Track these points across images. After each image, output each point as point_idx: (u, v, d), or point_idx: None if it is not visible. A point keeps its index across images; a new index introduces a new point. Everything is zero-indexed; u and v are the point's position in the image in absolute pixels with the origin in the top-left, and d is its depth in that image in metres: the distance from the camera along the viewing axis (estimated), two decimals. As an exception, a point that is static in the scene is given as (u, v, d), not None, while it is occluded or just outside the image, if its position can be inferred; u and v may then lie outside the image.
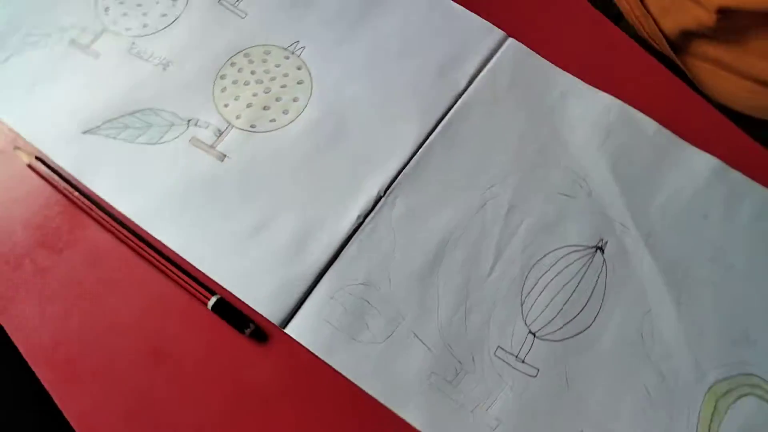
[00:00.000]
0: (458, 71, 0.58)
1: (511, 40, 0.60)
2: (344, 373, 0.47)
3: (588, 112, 0.57)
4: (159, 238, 0.50)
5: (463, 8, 0.61)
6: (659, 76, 0.61)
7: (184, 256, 0.50)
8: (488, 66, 0.58)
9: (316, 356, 0.48)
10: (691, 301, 0.51)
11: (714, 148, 0.57)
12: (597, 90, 0.58)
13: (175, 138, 0.54)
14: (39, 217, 0.51)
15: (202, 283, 0.49)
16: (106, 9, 0.58)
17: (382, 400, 0.47)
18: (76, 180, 0.52)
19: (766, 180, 0.56)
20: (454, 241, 0.51)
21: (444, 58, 0.58)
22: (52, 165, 0.52)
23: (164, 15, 0.59)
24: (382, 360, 0.47)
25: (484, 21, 0.60)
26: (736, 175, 0.56)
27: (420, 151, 0.54)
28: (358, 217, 0.52)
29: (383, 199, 0.53)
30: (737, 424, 0.48)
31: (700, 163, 0.56)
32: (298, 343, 0.48)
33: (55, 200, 0.52)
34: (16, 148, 0.53)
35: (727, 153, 0.57)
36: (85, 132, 0.54)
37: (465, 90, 0.57)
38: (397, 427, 0.46)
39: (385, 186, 0.53)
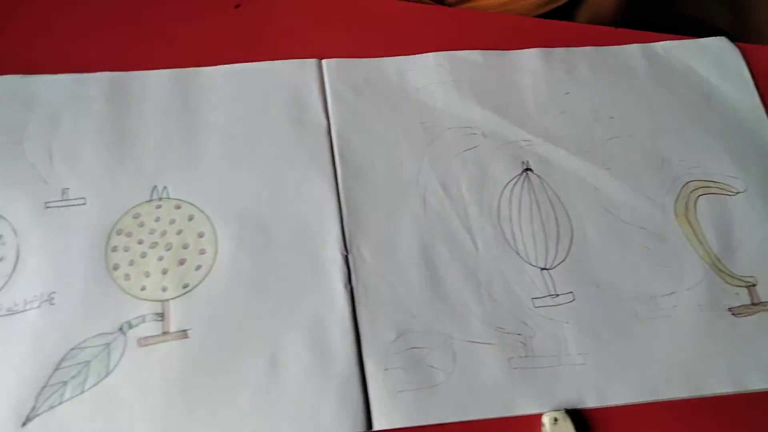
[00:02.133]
0: (310, 112, 0.58)
1: (325, 61, 0.61)
2: (451, 420, 0.46)
3: (428, 75, 0.61)
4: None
5: (269, 61, 0.60)
6: (442, 16, 0.66)
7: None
8: (327, 91, 0.59)
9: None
10: (612, 161, 0.58)
11: (531, 44, 0.64)
12: (421, 55, 0.62)
13: (123, 353, 0.47)
14: None
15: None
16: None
17: (494, 415, 0.47)
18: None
19: (578, 42, 0.65)
20: (431, 243, 0.53)
21: (290, 111, 0.58)
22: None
23: (1, 259, 0.50)
24: (467, 382, 0.47)
25: (293, 60, 0.60)
26: (558, 52, 0.64)
27: (341, 195, 0.54)
28: (345, 286, 0.50)
29: (349, 256, 0.52)
30: (711, 224, 0.55)
31: (530, 59, 0.63)
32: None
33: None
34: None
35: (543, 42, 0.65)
36: (25, 423, 0.44)
37: (329, 122, 0.57)
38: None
39: (342, 245, 0.52)
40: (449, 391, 0.47)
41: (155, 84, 0.58)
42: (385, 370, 0.48)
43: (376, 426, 0.46)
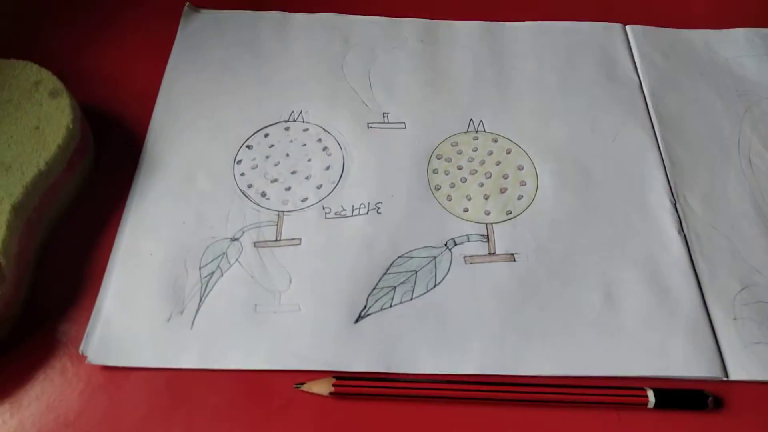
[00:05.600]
0: (620, 68, 0.57)
1: (629, 26, 0.60)
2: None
3: (737, 48, 0.59)
4: (531, 373, 0.42)
5: (574, 21, 0.60)
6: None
7: (564, 373, 0.42)
8: (635, 52, 0.58)
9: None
10: None
11: None
12: (729, 30, 0.61)
13: (449, 268, 0.46)
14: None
15: (622, 387, 0.41)
16: (263, 194, 0.49)
17: None
18: (395, 376, 0.42)
19: None
20: (764, 202, 0.50)
21: (600, 66, 0.57)
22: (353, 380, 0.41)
23: (329, 167, 0.51)
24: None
25: (598, 22, 0.60)
26: None
27: (661, 145, 0.52)
28: (679, 232, 0.47)
29: (677, 204, 0.49)
30: None
31: None
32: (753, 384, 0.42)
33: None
34: (299, 383, 0.41)
35: None
36: (358, 320, 0.43)
37: (640, 79, 0.56)
38: None
39: (669, 192, 0.49)
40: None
41: (464, 32, 0.59)
42: (734, 320, 0.44)
43: (732, 376, 0.41)
